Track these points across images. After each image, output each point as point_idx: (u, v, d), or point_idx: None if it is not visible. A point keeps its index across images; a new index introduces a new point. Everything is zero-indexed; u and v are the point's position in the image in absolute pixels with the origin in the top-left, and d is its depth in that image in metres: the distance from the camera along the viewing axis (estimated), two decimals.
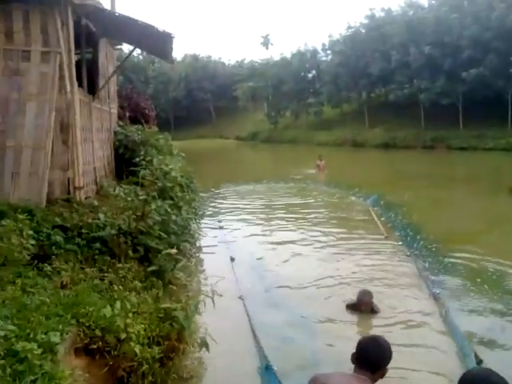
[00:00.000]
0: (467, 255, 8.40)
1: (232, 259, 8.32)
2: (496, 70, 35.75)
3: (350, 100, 51.84)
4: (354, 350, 2.55)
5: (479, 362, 4.58)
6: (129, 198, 6.40)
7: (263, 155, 42.34)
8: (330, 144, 41.52)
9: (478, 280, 7.19)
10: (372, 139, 40.81)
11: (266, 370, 4.50)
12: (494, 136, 34.14)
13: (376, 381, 2.50)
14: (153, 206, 6.13)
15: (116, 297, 4.24)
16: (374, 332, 5.46)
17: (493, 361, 4.57)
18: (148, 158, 8.41)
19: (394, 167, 26.52)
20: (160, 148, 10.87)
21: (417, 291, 6.85)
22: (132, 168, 8.84)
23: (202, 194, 11.96)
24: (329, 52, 55.77)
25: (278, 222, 11.92)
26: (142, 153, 9.48)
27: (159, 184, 7.31)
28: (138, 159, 8.80)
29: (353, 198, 14.85)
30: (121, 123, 11.75)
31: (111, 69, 10.82)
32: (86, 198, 7.17)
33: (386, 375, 2.51)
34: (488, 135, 34.49)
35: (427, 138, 37.54)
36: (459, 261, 8.16)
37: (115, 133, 10.81)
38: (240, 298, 6.51)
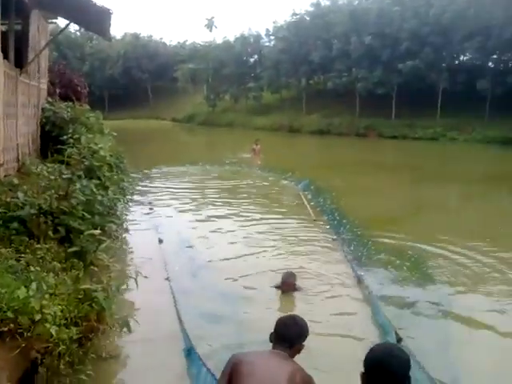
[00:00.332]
0: (389, 240, 8.81)
1: (160, 241, 8.26)
2: (430, 64, 37.74)
3: (289, 86, 52.32)
4: (273, 330, 2.69)
5: (399, 340, 4.80)
6: (52, 177, 6.17)
7: (199, 138, 41.99)
8: (266, 129, 41.85)
9: (398, 262, 7.56)
10: (308, 125, 41.56)
11: (189, 352, 4.54)
12: (423, 126, 35.91)
13: (292, 356, 2.65)
14: (77, 186, 5.95)
15: (32, 278, 4.09)
16: (297, 310, 5.67)
17: (411, 339, 4.86)
18: (76, 136, 8.12)
19: (327, 153, 27.25)
20: (90, 126, 10.49)
21: (341, 273, 7.07)
22: (59, 146, 8.51)
23: (133, 175, 11.72)
24: (272, 38, 55.83)
25: (209, 204, 11.98)
26: (71, 131, 9.14)
27: (86, 163, 7.10)
28: (65, 137, 8.50)
29: (285, 182, 15.15)
30: (50, 100, 11.24)
31: (43, 43, 10.28)
32: (5, 176, 6.84)
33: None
34: (418, 125, 36.23)
35: (361, 125, 38.80)
36: (382, 244, 8.52)
37: (43, 109, 10.33)
38: (167, 279, 6.50)
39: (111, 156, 8.70)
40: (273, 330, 2.72)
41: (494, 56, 38.24)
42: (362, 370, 2.08)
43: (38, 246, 4.87)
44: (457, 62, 42.42)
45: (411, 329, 5.36)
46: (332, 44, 44.30)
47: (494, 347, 5.08)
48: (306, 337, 2.74)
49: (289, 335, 2.65)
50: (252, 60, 58.96)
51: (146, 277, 5.18)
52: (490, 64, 38.84)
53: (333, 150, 28.76)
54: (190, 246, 8.23)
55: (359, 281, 6.67)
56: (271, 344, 2.70)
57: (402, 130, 36.25)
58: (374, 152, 27.94)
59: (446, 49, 38.75)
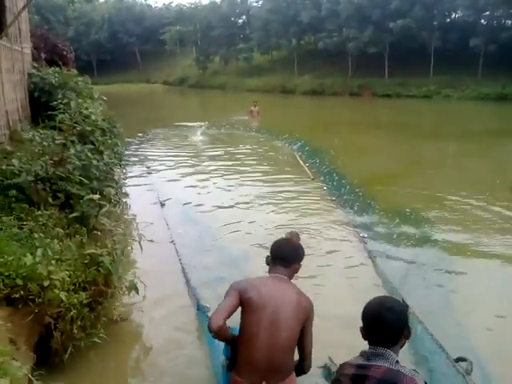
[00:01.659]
0: (388, 198, 8.83)
1: (162, 204, 8.20)
2: (421, 22, 37.06)
3: (279, 47, 51.33)
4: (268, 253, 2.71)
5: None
6: (45, 143, 6.01)
7: (192, 101, 41.45)
8: (259, 90, 41.26)
9: (398, 220, 7.52)
10: (301, 86, 41.03)
11: (198, 309, 4.56)
12: (416, 84, 35.53)
13: (291, 276, 2.68)
14: (72, 151, 5.81)
15: (37, 245, 4.04)
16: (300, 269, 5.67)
17: (413, 299, 4.67)
18: (66, 101, 7.91)
19: (321, 113, 26.99)
20: (79, 91, 10.23)
21: (343, 233, 7.07)
22: (49, 112, 8.30)
23: (127, 140, 11.56)
24: None
25: (208, 166, 11.84)
26: (60, 96, 8.91)
27: (78, 128, 6.93)
28: (55, 103, 8.28)
29: (281, 144, 14.99)
30: (36, 65, 10.90)
31: (21, 4, 9.86)
32: None
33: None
34: (411, 83, 35.84)
35: (354, 85, 38.35)
36: (382, 202, 8.48)
37: (30, 75, 10.01)
38: (171, 242, 6.48)
39: (103, 120, 8.52)
40: (268, 253, 2.74)
41: (487, 13, 37.50)
42: (361, 324, 2.12)
43: (39, 212, 4.78)
44: (448, 20, 41.77)
45: (414, 289, 5.27)
46: (321, 4, 43.28)
47: (497, 304, 5.07)
48: (302, 257, 2.75)
49: (285, 255, 2.67)
50: (240, 21, 57.72)
51: (151, 240, 5.17)
52: (482, 21, 38.13)
53: (327, 110, 28.50)
54: (192, 208, 8.18)
55: (362, 241, 6.66)
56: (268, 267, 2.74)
57: (395, 89, 35.91)
58: (368, 111, 27.75)
59: (437, 7, 37.96)
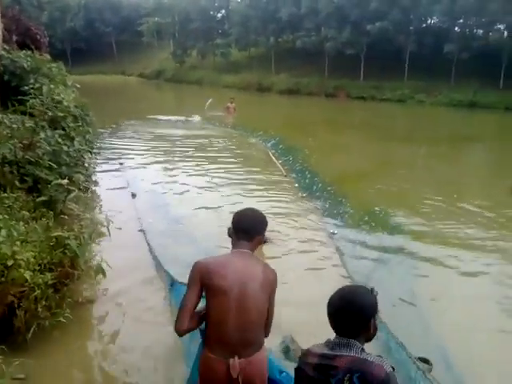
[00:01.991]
0: (358, 196, 8.99)
1: (133, 195, 8.16)
2: (398, 25, 37.63)
3: (258, 44, 51.23)
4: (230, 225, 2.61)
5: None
6: (14, 126, 5.91)
7: (168, 95, 41.09)
8: (235, 87, 41.22)
9: (367, 218, 7.67)
10: (277, 84, 41.14)
11: (172, 285, 4.52)
12: (391, 88, 36.08)
13: (254, 249, 2.59)
14: (42, 135, 5.74)
15: (1, 225, 3.99)
16: (267, 260, 5.73)
17: (381, 293, 4.91)
18: (37, 85, 7.76)
19: (297, 113, 27.15)
20: (52, 77, 10.02)
21: (312, 228, 7.17)
22: (20, 97, 8.13)
23: (101, 131, 11.44)
24: None
25: (181, 160, 11.84)
26: (32, 81, 8.72)
27: (50, 113, 6.83)
28: (26, 88, 8.11)
29: (255, 141, 15.05)
30: (6, 47, 10.61)
31: None
32: None
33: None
34: (386, 86, 36.38)
35: (330, 86, 38.69)
36: (352, 199, 8.64)
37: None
38: (140, 230, 6.46)
39: (76, 107, 8.40)
40: (230, 225, 2.63)
41: (461, 20, 38.41)
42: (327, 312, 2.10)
43: (5, 195, 4.72)
44: (424, 25, 42.54)
45: (381, 283, 5.33)
46: (300, 1, 43.43)
47: (468, 296, 5.24)
48: (265, 228, 2.65)
49: (247, 227, 2.57)
50: (219, 15, 57.29)
51: (119, 228, 5.16)
52: (456, 28, 39.02)
53: (303, 110, 28.70)
54: (163, 199, 8.16)
55: (330, 236, 6.74)
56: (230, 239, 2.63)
57: (370, 91, 36.40)
58: (343, 112, 28.08)
59: (414, 11, 38.65)
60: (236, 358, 2.40)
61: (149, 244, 5.91)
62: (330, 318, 2.08)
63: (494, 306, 4.98)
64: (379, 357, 1.96)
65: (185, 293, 2.48)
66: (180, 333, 2.43)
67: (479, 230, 7.32)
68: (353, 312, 2.01)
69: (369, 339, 2.09)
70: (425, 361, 3.60)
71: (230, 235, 2.64)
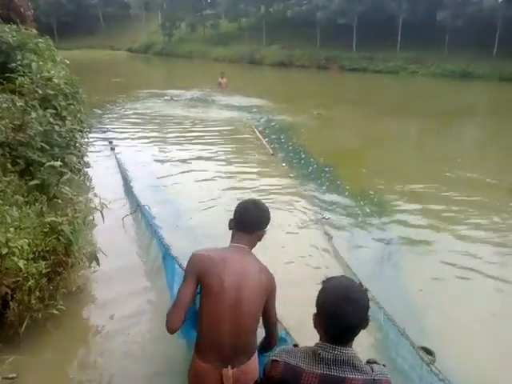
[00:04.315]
0: (352, 177, 8.67)
1: (112, 149, 8.08)
2: None
3: (248, 14, 50.36)
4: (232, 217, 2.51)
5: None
6: (4, 105, 5.73)
7: (158, 70, 40.31)
8: (226, 60, 40.62)
9: (362, 202, 7.38)
10: (269, 57, 40.58)
11: (164, 257, 4.31)
12: (383, 59, 35.77)
13: (253, 244, 2.51)
14: (33, 115, 5.57)
15: None
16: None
17: (375, 286, 4.68)
18: (26, 62, 7.52)
19: (289, 86, 26.82)
20: (40, 53, 9.73)
21: (302, 210, 6.94)
22: (7, 75, 7.89)
23: (95, 110, 11.26)
24: None
25: (171, 139, 11.65)
26: (19, 57, 8.46)
27: (40, 92, 6.62)
28: (14, 65, 7.86)
29: (247, 118, 14.78)
30: None
31: None
32: None
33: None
34: (378, 58, 36.06)
35: (321, 57, 38.21)
36: (344, 182, 8.33)
37: None
38: (134, 211, 6.37)
39: (66, 84, 8.17)
40: (232, 217, 2.52)
41: None
42: (315, 311, 1.78)
43: None
44: None
45: (373, 272, 5.17)
46: None
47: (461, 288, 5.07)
48: (267, 223, 2.54)
49: (248, 221, 2.47)
50: None
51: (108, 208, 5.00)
52: None
53: (295, 84, 28.33)
54: (155, 181, 8.07)
55: (322, 223, 6.44)
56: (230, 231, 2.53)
57: (362, 63, 36.05)
58: (336, 85, 27.75)
59: None
60: (229, 367, 2.32)
61: (145, 220, 5.78)
62: (324, 323, 1.73)
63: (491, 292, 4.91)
64: (377, 364, 1.80)
65: (180, 286, 2.38)
66: (172, 332, 2.32)
67: (483, 217, 7.02)
68: (358, 315, 1.71)
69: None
70: (427, 351, 3.45)
71: (230, 227, 2.53)
